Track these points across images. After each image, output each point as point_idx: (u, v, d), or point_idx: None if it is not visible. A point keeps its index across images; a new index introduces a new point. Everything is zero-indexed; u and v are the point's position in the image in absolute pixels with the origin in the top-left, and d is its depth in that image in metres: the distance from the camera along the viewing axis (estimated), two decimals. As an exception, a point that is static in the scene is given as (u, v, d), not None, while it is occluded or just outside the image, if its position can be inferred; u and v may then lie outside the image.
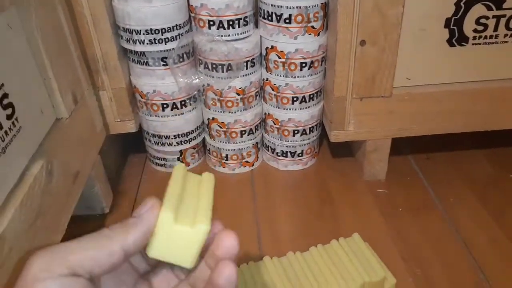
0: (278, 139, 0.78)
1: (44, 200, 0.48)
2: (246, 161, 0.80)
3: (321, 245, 0.57)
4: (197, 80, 0.70)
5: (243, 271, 0.54)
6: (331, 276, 0.52)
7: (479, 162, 0.81)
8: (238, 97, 0.72)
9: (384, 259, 0.57)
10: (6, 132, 0.43)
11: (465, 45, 0.64)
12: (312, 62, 0.69)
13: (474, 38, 0.63)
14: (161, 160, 0.81)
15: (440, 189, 0.75)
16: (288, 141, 0.77)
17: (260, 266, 0.54)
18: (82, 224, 0.68)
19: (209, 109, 0.75)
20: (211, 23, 0.66)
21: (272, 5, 0.65)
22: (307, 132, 0.76)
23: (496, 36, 0.63)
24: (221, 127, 0.76)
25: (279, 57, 0.68)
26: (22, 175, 0.46)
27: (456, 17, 0.61)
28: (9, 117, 0.44)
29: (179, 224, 0.26)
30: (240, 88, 0.71)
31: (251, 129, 0.77)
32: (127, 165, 0.84)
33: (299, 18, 0.64)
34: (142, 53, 0.68)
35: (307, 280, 0.52)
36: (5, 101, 0.44)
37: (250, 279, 0.52)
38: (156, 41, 0.65)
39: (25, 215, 0.44)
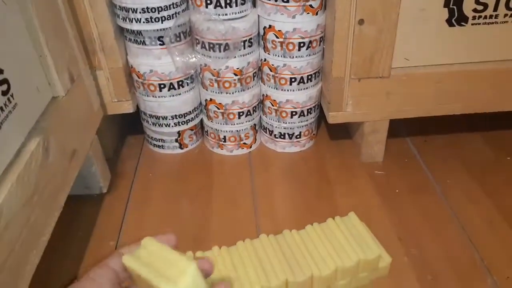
0: (276, 121, 0.78)
1: (40, 176, 0.48)
2: (244, 143, 0.80)
3: (317, 223, 0.57)
4: (194, 58, 0.70)
5: (239, 248, 0.54)
6: (326, 253, 0.52)
7: (477, 145, 0.81)
8: (236, 77, 0.72)
9: (380, 238, 0.58)
10: (1, 108, 0.43)
11: (464, 25, 0.63)
12: (310, 42, 0.68)
13: (474, 18, 0.62)
14: (159, 141, 0.81)
15: (438, 171, 0.75)
16: (286, 123, 0.77)
17: (256, 243, 0.54)
18: (81, 204, 0.69)
19: (207, 90, 0.75)
20: (208, 1, 0.65)
21: (270, -17, 0.64)
22: (305, 113, 0.76)
23: (496, 16, 0.63)
24: (218, 108, 0.76)
25: (277, 37, 0.68)
26: (18, 151, 0.46)
27: (456, -4, 0.61)
28: (4, 93, 0.44)
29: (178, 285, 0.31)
30: (237, 68, 0.71)
31: (248, 111, 0.76)
32: (125, 146, 0.84)
33: (297, -3, 0.64)
34: (139, 32, 0.67)
35: (303, 256, 0.52)
36: (0, 77, 0.44)
37: (245, 255, 0.53)
38: (153, 20, 0.65)
39: (21, 191, 0.44)
